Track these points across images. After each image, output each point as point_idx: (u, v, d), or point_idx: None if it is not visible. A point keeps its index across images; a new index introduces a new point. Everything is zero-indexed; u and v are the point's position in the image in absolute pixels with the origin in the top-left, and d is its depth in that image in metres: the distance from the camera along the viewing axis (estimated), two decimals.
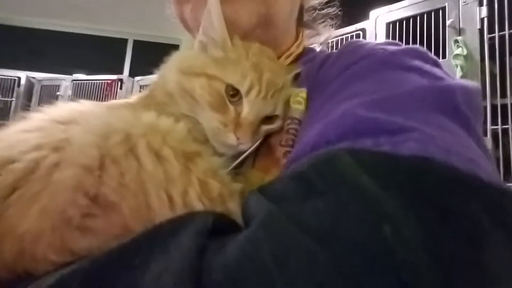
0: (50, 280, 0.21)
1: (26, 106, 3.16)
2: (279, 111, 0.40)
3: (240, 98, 0.38)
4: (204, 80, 0.38)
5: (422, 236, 0.17)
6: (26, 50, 3.83)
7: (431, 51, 1.39)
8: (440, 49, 1.47)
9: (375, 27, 1.73)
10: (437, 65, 0.35)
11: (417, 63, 0.33)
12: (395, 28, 1.64)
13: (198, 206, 0.28)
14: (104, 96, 2.90)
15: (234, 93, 0.38)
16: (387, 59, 0.35)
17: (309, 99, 0.40)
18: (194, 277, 0.18)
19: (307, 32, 0.55)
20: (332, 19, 0.56)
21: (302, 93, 0.41)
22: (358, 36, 1.79)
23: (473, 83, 0.31)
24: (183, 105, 0.38)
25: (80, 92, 3.05)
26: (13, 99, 3.12)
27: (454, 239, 0.18)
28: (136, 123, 0.32)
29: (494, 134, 1.29)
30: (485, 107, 1.30)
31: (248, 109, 0.37)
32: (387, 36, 1.67)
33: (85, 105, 0.37)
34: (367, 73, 0.34)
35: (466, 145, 0.25)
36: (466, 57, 1.36)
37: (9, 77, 3.20)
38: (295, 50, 0.49)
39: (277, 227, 0.20)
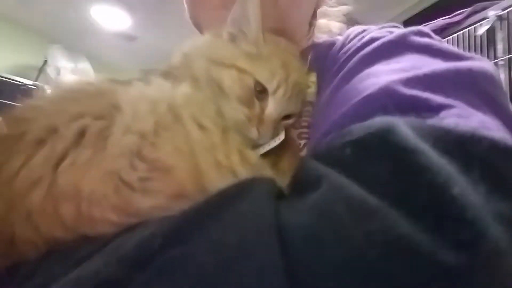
0: (131, 243, 0.20)
1: None
2: (298, 109, 0.41)
3: (266, 95, 0.39)
4: (235, 72, 0.38)
5: (485, 198, 0.18)
6: None
7: None
8: None
9: None
10: (441, 42, 0.34)
11: (427, 40, 0.34)
12: None
13: (240, 170, 0.29)
14: None
15: (261, 90, 0.39)
16: (398, 41, 0.34)
17: (319, 82, 0.40)
18: (276, 236, 0.18)
19: (318, 24, 0.53)
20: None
21: (311, 76, 0.41)
22: None
23: (488, 64, 0.30)
24: (208, 92, 0.38)
25: None
26: None
27: None
28: (175, 94, 0.33)
29: None
30: None
31: (272, 107, 0.39)
32: None
33: (108, 80, 0.38)
34: (382, 55, 0.33)
35: (497, 125, 0.25)
36: None
37: None
38: (305, 44, 0.48)
39: (343, 187, 0.20)
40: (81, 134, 0.28)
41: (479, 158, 0.20)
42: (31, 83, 2.66)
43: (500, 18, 1.54)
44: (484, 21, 1.57)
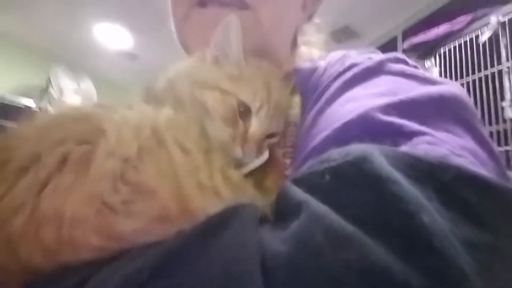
0: (117, 278, 0.21)
1: None
2: (281, 129, 0.42)
3: (250, 115, 0.40)
4: (218, 94, 0.40)
5: (452, 225, 0.19)
6: None
7: None
8: None
9: None
10: (417, 67, 0.38)
11: (402, 66, 0.37)
12: None
13: (223, 190, 0.30)
14: None
15: (244, 110, 0.40)
16: (375, 66, 0.37)
17: (302, 104, 0.42)
18: (259, 268, 0.19)
19: (300, 52, 0.57)
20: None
21: (295, 98, 0.43)
22: None
23: (457, 88, 0.33)
24: (192, 114, 0.39)
25: None
26: None
27: (478, 229, 0.20)
28: (158, 117, 0.34)
29: None
30: None
31: (256, 126, 0.40)
32: None
33: (92, 105, 0.39)
34: (361, 79, 0.36)
35: (470, 149, 0.27)
36: None
37: None
38: (288, 68, 0.50)
39: (322, 216, 0.20)
40: (64, 160, 0.29)
41: (446, 186, 0.21)
42: (35, 106, 2.68)
43: (502, 24, 1.52)
44: (486, 27, 1.56)
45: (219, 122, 0.39)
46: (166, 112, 0.35)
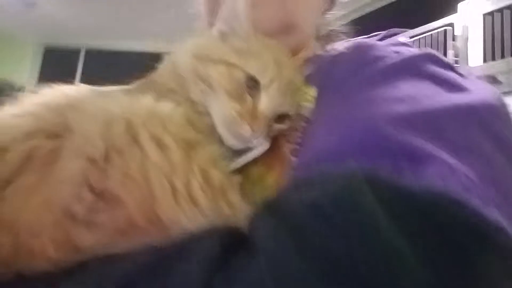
0: None
1: None
2: (293, 111, 0.38)
3: (259, 90, 0.36)
4: (224, 67, 0.36)
5: (433, 285, 0.18)
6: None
7: None
8: None
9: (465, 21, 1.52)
10: (451, 68, 0.34)
11: (433, 69, 0.33)
12: (492, 21, 1.41)
13: (200, 196, 0.28)
14: None
15: (253, 85, 0.36)
16: (402, 65, 0.33)
17: (317, 98, 0.38)
18: None
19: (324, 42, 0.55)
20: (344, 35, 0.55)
21: (311, 91, 0.39)
22: (445, 32, 1.59)
23: (494, 92, 0.30)
24: (194, 91, 0.36)
25: None
26: None
27: None
28: (135, 109, 0.31)
29: None
30: None
31: (266, 103, 0.36)
32: (485, 30, 1.44)
33: (78, 90, 0.35)
34: (383, 79, 0.32)
35: (494, 178, 0.24)
36: None
37: None
38: (304, 55, 0.48)
39: (285, 264, 0.20)
40: (30, 156, 0.27)
41: (437, 239, 0.20)
42: None
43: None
44: None
45: (225, 97, 0.35)
46: (145, 103, 0.32)
